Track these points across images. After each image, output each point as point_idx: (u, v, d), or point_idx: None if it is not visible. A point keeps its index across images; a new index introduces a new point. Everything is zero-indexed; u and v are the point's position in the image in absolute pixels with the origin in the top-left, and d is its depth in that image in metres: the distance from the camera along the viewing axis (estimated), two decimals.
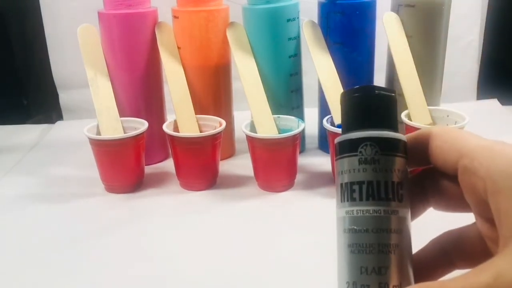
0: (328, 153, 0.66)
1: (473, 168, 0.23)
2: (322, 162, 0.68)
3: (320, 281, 0.43)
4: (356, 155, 0.26)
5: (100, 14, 0.64)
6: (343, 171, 0.26)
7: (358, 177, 0.26)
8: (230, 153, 0.72)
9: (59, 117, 0.95)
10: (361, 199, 0.25)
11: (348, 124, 0.27)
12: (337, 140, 0.27)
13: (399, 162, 0.26)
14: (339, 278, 0.26)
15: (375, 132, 0.26)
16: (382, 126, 0.26)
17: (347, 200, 0.26)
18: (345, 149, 0.26)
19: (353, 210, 0.25)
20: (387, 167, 0.25)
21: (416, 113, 0.62)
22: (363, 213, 0.25)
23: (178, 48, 0.66)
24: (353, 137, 0.26)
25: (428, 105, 0.63)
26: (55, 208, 0.59)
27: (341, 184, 0.26)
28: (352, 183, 0.26)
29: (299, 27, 0.66)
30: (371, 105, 0.27)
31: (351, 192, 0.26)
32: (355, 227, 0.25)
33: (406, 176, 0.26)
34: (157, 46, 0.65)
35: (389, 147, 0.26)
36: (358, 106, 0.27)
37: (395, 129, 0.27)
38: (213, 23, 0.64)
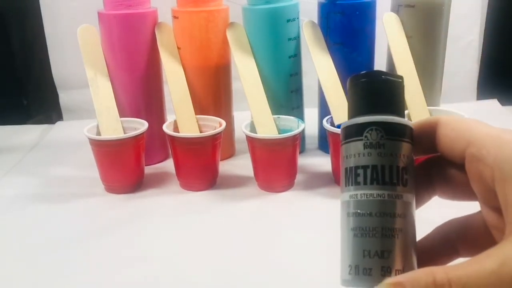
0: (328, 153, 0.66)
1: (480, 156, 0.24)
2: (322, 162, 0.67)
3: (320, 281, 0.43)
4: (361, 140, 0.26)
5: (100, 14, 0.64)
6: (348, 156, 0.26)
7: (362, 161, 0.26)
8: (230, 153, 0.72)
9: (59, 117, 0.94)
10: (365, 183, 0.25)
11: (355, 109, 0.27)
12: (343, 125, 0.27)
13: (404, 147, 0.26)
14: (341, 262, 0.26)
15: (381, 117, 0.26)
16: (388, 111, 0.26)
17: (352, 184, 0.26)
18: (351, 133, 0.26)
19: (357, 194, 0.25)
20: (392, 151, 0.25)
21: (416, 113, 0.62)
22: (367, 197, 0.25)
23: (178, 48, 0.66)
24: (359, 122, 0.26)
25: (428, 105, 0.63)
26: (55, 208, 0.59)
27: (346, 169, 0.26)
28: (356, 167, 0.26)
29: (299, 27, 0.66)
30: (378, 90, 0.27)
31: (355, 176, 0.26)
32: (358, 211, 0.25)
33: (411, 162, 0.26)
34: (157, 46, 0.65)
35: (395, 132, 0.26)
36: (364, 91, 0.27)
37: (402, 115, 0.27)
38: (213, 24, 0.64)
